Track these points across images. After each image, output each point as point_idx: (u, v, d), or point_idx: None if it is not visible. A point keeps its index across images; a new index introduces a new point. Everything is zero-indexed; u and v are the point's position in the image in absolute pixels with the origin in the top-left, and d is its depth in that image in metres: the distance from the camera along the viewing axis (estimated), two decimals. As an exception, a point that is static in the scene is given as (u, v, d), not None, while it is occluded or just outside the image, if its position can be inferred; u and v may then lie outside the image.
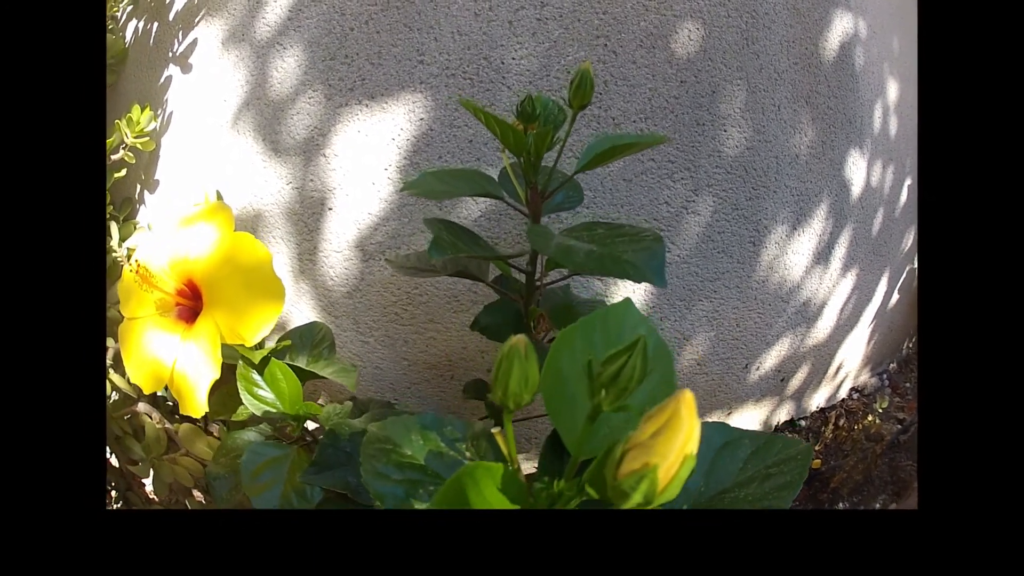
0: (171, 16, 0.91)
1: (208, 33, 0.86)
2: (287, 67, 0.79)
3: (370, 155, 0.77)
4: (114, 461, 0.90)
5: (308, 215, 0.81)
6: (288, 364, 0.62)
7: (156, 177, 0.94)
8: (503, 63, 0.75)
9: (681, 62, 0.78)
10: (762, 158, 0.85)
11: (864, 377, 1.14)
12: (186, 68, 0.89)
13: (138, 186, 0.97)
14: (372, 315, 0.84)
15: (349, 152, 0.78)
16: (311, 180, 0.80)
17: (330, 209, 0.80)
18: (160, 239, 0.56)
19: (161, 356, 0.54)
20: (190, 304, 0.56)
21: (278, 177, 0.82)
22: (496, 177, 0.60)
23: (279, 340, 0.65)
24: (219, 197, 0.85)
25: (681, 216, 0.82)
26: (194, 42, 0.88)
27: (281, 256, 0.85)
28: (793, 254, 0.92)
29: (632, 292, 0.84)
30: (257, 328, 0.51)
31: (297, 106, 0.79)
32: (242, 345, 0.54)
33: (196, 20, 0.88)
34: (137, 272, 0.53)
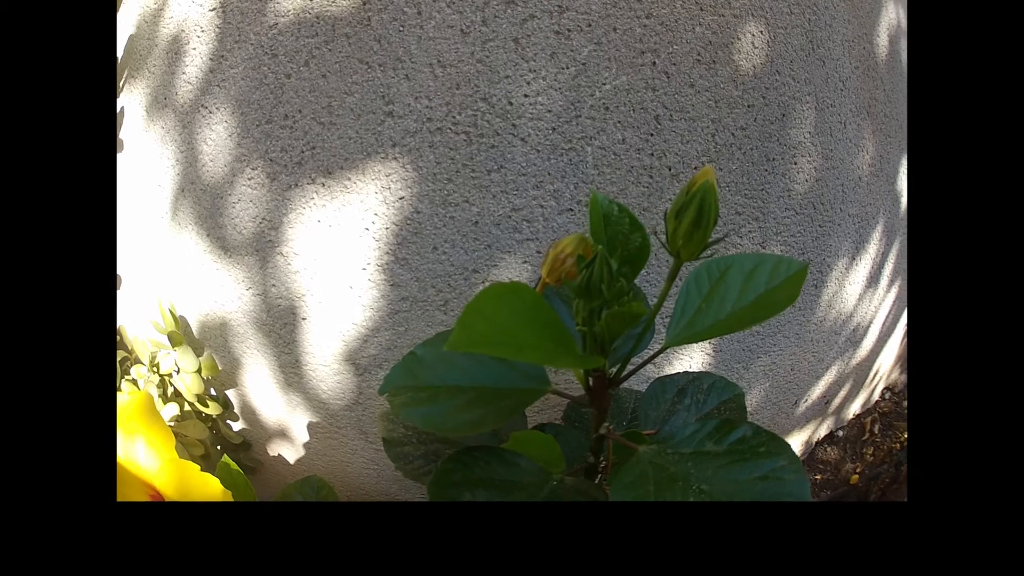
0: (94, 82, 0.49)
1: (133, 100, 0.45)
2: (216, 137, 0.38)
3: (339, 251, 0.37)
4: None
5: (279, 326, 0.42)
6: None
7: (119, 272, 0.54)
8: (511, 103, 0.34)
9: (747, 79, 0.38)
10: (830, 188, 0.45)
11: (895, 375, 0.77)
12: (118, 144, 0.48)
13: (111, 280, 0.57)
14: (380, 424, 0.46)
15: (311, 249, 0.38)
16: (273, 285, 0.40)
17: (303, 319, 0.41)
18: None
19: None
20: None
21: (234, 281, 0.42)
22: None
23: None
24: (172, 314, 0.45)
25: (750, 278, 0.43)
26: (121, 112, 0.47)
27: (261, 368, 0.46)
28: (850, 285, 0.53)
29: (690, 360, 0.46)
30: None
31: (237, 191, 0.38)
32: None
33: (120, 83, 0.47)
34: None
